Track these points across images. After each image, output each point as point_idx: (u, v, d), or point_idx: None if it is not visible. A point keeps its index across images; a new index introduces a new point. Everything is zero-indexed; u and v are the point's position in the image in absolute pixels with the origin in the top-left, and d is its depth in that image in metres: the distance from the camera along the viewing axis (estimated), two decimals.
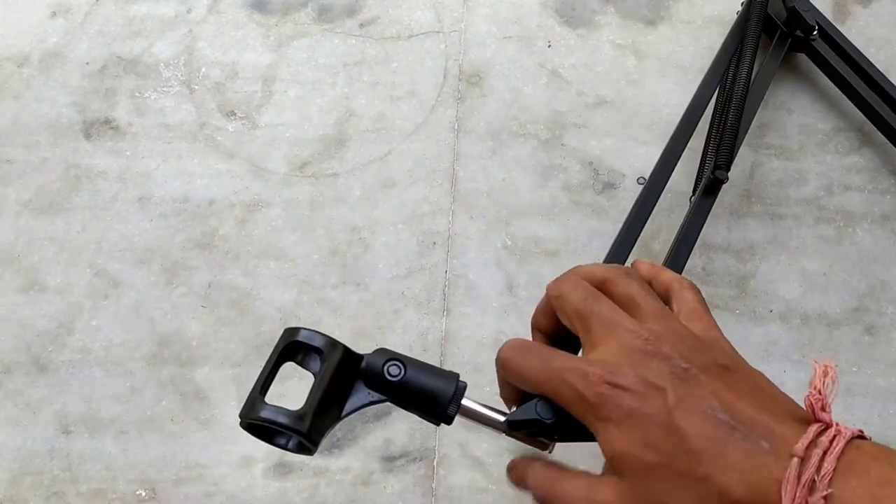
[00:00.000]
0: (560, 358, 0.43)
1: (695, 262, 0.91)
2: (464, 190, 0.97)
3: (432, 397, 0.45)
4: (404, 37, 1.09)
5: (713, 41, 1.08)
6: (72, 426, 0.84)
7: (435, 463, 0.82)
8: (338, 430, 0.82)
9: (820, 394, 0.39)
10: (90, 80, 1.07)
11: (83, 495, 0.79)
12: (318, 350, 0.46)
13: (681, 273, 0.75)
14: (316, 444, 0.46)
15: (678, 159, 0.90)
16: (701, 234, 0.87)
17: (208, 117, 1.03)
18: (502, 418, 0.46)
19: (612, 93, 1.04)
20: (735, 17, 1.05)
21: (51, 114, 1.04)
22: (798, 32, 1.00)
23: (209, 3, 1.13)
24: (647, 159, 0.99)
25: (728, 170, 0.87)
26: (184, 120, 1.03)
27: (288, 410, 0.44)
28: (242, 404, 0.45)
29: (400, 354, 0.46)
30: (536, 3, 1.11)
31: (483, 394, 0.89)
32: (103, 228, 0.96)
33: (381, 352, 0.46)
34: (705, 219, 0.85)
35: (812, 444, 0.35)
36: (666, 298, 0.48)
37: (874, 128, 1.00)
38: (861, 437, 0.37)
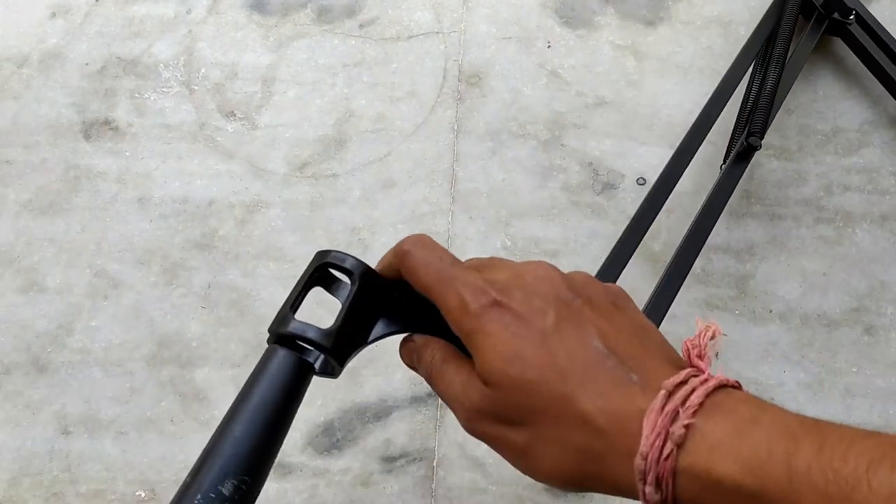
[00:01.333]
0: (459, 267, 0.43)
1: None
2: (463, 190, 0.97)
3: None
4: (404, 37, 1.09)
5: (713, 42, 1.08)
6: (71, 427, 0.83)
7: (434, 463, 0.82)
8: (337, 431, 0.82)
9: (698, 341, 0.39)
10: (90, 81, 1.07)
11: (83, 496, 0.79)
12: (348, 272, 0.46)
13: (696, 250, 0.77)
14: (341, 363, 0.45)
15: (695, 152, 0.91)
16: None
17: (208, 118, 1.03)
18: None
19: (612, 93, 1.04)
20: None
21: (50, 114, 1.04)
22: (836, 15, 1.01)
23: (209, 4, 1.13)
24: (646, 160, 0.99)
25: (762, 137, 0.88)
26: (183, 120, 1.03)
27: (317, 327, 0.44)
28: (272, 320, 0.44)
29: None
30: (536, 3, 1.12)
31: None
32: (103, 229, 0.96)
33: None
34: (735, 185, 0.86)
35: (682, 382, 0.34)
36: None
37: (872, 128, 1.00)
38: (737, 387, 0.36)
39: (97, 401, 0.85)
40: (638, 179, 0.98)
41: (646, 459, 0.32)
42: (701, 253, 0.90)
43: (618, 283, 0.91)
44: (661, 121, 1.02)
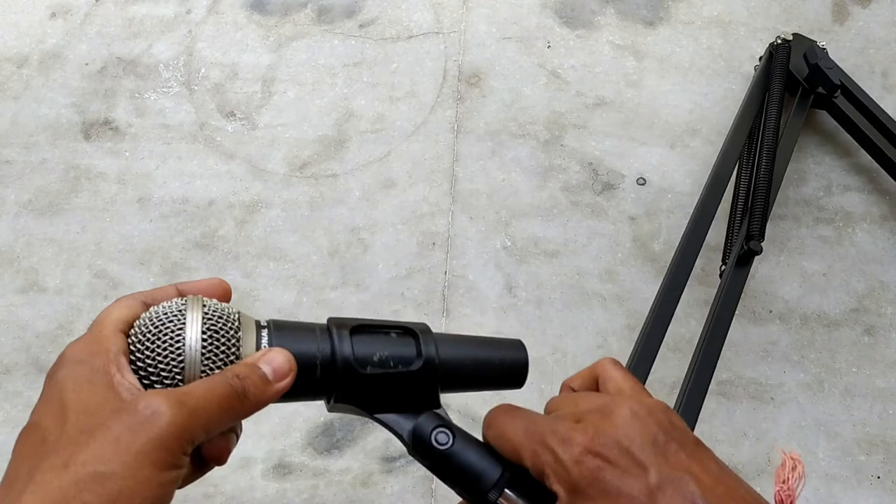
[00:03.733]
0: (546, 421, 0.41)
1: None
2: (463, 191, 0.97)
3: (473, 478, 0.42)
4: (404, 38, 1.09)
5: (712, 42, 1.08)
6: None
7: None
8: (337, 431, 0.82)
9: (788, 489, 0.40)
10: (90, 81, 1.07)
11: None
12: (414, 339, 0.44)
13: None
14: (332, 396, 0.43)
15: (706, 233, 0.87)
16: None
17: (208, 118, 1.03)
18: None
19: (612, 93, 1.04)
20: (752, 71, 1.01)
21: (50, 115, 1.04)
22: (820, 90, 0.97)
23: (209, 4, 1.13)
24: (646, 160, 0.99)
25: (762, 239, 0.83)
26: (183, 121, 1.03)
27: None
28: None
29: (452, 423, 0.44)
30: (536, 3, 1.12)
31: (482, 394, 0.89)
32: (103, 229, 0.96)
33: (433, 416, 0.44)
34: (740, 293, 0.82)
35: None
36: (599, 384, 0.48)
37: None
38: None
39: None
40: (638, 179, 0.98)
41: None
42: (701, 253, 0.90)
43: (618, 287, 0.91)
44: (660, 121, 1.02)
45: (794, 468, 0.40)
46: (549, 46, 1.08)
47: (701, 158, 0.99)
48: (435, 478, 0.82)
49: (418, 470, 0.81)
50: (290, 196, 0.97)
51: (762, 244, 0.84)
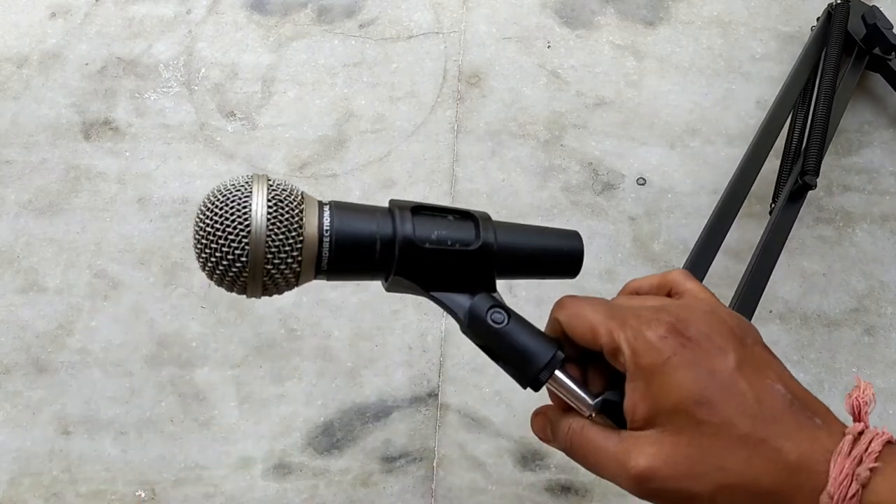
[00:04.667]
0: (627, 305, 0.42)
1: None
2: (463, 190, 0.97)
3: (527, 357, 0.43)
4: (404, 38, 1.09)
5: (712, 42, 1.08)
6: (71, 427, 0.83)
7: (434, 464, 0.82)
8: (337, 431, 0.82)
9: (863, 399, 0.41)
10: (90, 81, 1.07)
11: (82, 496, 0.79)
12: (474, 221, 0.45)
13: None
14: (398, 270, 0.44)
15: (760, 167, 0.88)
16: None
17: (208, 118, 1.03)
18: (591, 400, 0.43)
19: (612, 93, 1.04)
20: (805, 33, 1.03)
21: (50, 115, 1.04)
22: (877, 51, 0.99)
23: (209, 4, 1.13)
24: (646, 160, 0.99)
25: (817, 175, 0.85)
26: (183, 121, 1.03)
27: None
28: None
29: (506, 305, 0.45)
30: (536, 3, 1.12)
31: (482, 394, 0.89)
32: (103, 229, 0.96)
33: (489, 297, 0.45)
34: (792, 224, 0.84)
35: (861, 432, 0.37)
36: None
37: (872, 128, 1.00)
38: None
39: (97, 401, 0.85)
40: (638, 179, 0.98)
41: (832, 498, 0.35)
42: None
43: (618, 287, 0.91)
44: (661, 121, 1.02)
45: (866, 388, 0.41)
46: (549, 46, 1.08)
47: (701, 158, 0.99)
48: (435, 478, 0.82)
49: (418, 470, 0.81)
50: None
51: (816, 180, 0.86)
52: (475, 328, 0.44)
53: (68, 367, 0.87)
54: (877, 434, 0.36)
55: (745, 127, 1.01)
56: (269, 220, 0.42)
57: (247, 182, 0.43)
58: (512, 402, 0.84)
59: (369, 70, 1.06)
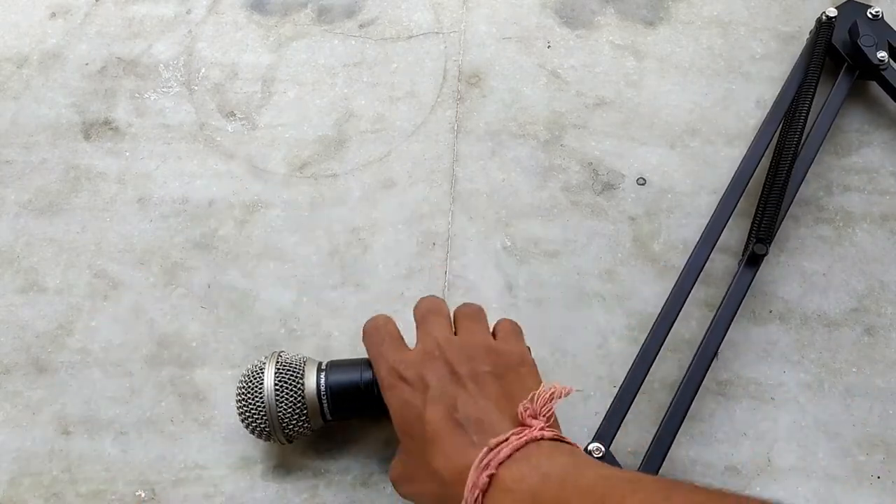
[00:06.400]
0: (386, 347, 0.60)
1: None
2: (463, 191, 0.97)
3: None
4: (404, 37, 1.09)
5: (712, 42, 1.08)
6: (71, 427, 0.84)
7: None
8: (337, 432, 0.82)
9: (531, 403, 0.49)
10: (89, 81, 1.07)
11: (82, 496, 0.79)
12: None
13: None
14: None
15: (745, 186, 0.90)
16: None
17: (208, 118, 1.04)
18: None
19: (612, 93, 1.04)
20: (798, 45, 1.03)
21: (50, 115, 1.04)
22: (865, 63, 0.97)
23: (209, 4, 1.13)
24: (646, 160, 0.99)
25: (769, 242, 0.85)
26: (183, 121, 1.03)
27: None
28: None
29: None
30: (536, 3, 1.12)
31: None
32: (103, 229, 0.96)
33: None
34: (746, 291, 0.84)
35: (506, 440, 0.45)
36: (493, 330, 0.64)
37: (872, 128, 1.00)
38: (555, 439, 0.48)
39: (97, 401, 0.85)
40: (638, 179, 0.98)
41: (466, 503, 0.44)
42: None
43: (618, 287, 0.91)
44: (661, 121, 1.02)
45: (550, 395, 0.52)
46: (549, 46, 1.08)
47: (701, 158, 1.00)
48: None
49: None
50: (290, 196, 0.97)
51: (767, 247, 0.85)
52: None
53: (68, 367, 0.87)
54: (521, 434, 0.46)
55: (745, 127, 1.01)
56: (276, 394, 0.64)
57: (264, 360, 0.67)
58: None
59: (369, 70, 1.06)
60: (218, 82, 1.06)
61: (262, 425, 0.64)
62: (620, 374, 0.78)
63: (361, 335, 0.63)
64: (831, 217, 0.95)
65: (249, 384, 0.65)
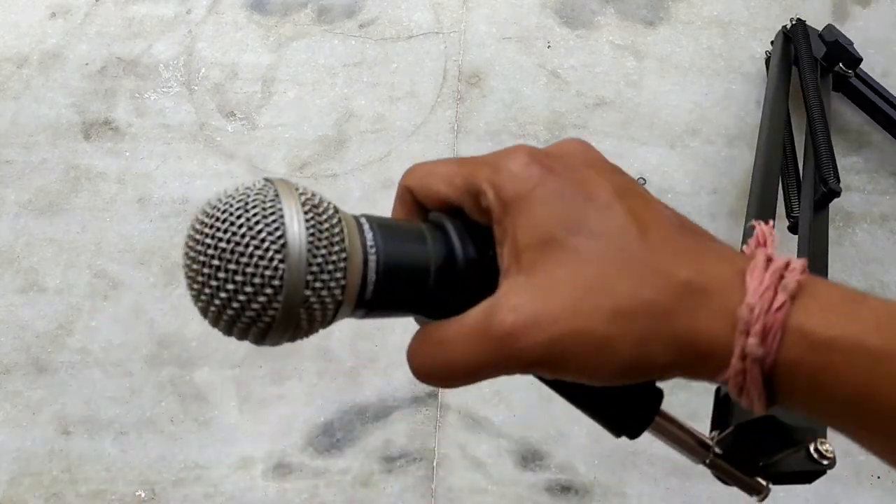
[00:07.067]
0: (480, 156, 0.34)
1: None
2: None
3: (621, 402, 0.35)
4: (404, 38, 1.09)
5: (712, 42, 1.08)
6: (71, 427, 0.83)
7: (434, 464, 0.82)
8: (337, 431, 0.82)
9: (767, 228, 0.33)
10: (90, 81, 1.07)
11: (82, 496, 0.79)
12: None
13: None
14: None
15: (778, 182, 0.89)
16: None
17: (208, 118, 1.03)
18: (707, 443, 0.36)
19: (612, 93, 1.04)
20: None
21: (50, 115, 1.04)
22: (839, 68, 0.98)
23: (209, 4, 1.13)
24: (646, 160, 0.99)
25: (839, 181, 0.85)
26: (183, 121, 1.03)
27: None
28: None
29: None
30: (536, 3, 1.12)
31: (482, 394, 0.89)
32: (103, 229, 0.96)
33: None
34: (827, 238, 0.83)
35: (771, 256, 0.31)
36: None
37: (872, 128, 1.00)
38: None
39: (97, 401, 0.85)
40: (638, 179, 0.98)
41: (753, 311, 0.28)
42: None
43: None
44: (661, 121, 1.02)
45: (767, 226, 0.33)
46: (549, 46, 1.08)
47: (701, 158, 0.99)
48: (435, 478, 0.82)
49: (418, 470, 0.81)
50: None
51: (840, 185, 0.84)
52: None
53: (68, 367, 0.87)
54: (792, 258, 0.30)
55: (745, 127, 1.01)
56: (308, 231, 0.30)
57: (265, 185, 0.31)
58: (512, 402, 0.84)
59: (369, 70, 1.06)
60: (218, 82, 1.06)
61: (268, 281, 0.29)
62: None
63: (405, 178, 0.36)
64: (831, 217, 0.95)
65: (250, 206, 0.30)
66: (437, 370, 0.33)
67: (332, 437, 0.80)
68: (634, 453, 0.77)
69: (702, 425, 0.76)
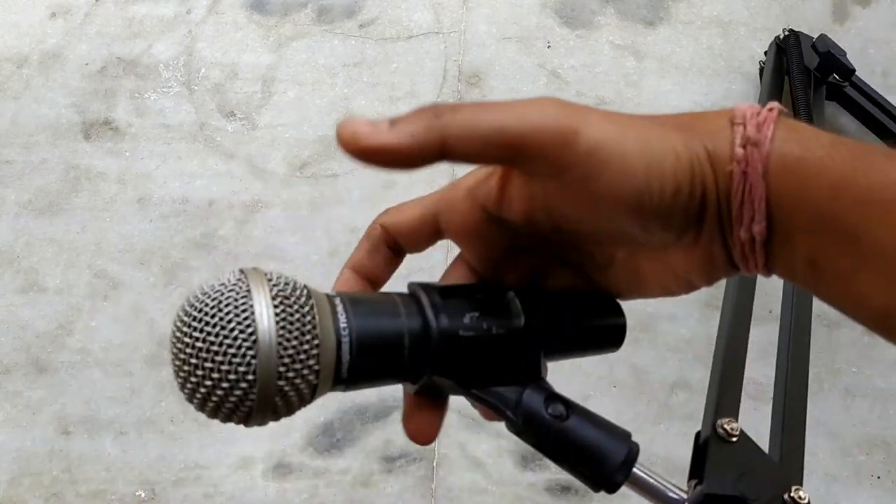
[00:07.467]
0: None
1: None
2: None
3: (597, 456, 0.36)
4: (404, 37, 1.09)
5: (712, 42, 1.08)
6: (71, 427, 0.83)
7: (435, 464, 0.82)
8: (337, 431, 0.82)
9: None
10: (90, 81, 1.07)
11: (82, 496, 0.79)
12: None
13: None
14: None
15: None
16: None
17: (208, 118, 1.03)
18: (683, 495, 0.37)
19: (612, 93, 1.04)
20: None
21: (50, 115, 1.04)
22: (833, 78, 0.97)
23: (209, 4, 1.13)
24: None
25: None
26: (183, 121, 1.03)
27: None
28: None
29: (561, 394, 0.38)
30: (536, 3, 1.12)
31: None
32: (103, 229, 0.96)
33: (541, 387, 0.37)
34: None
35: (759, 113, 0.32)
36: None
37: (867, 137, 1.00)
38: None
39: (97, 401, 0.85)
40: None
41: (745, 113, 0.31)
42: None
43: None
44: None
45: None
46: (549, 46, 1.08)
47: None
48: (435, 478, 0.82)
49: (418, 470, 0.81)
50: (290, 196, 0.97)
51: None
52: (530, 427, 0.36)
53: (68, 367, 0.87)
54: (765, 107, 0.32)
55: None
56: (278, 323, 0.31)
57: (239, 279, 0.32)
58: None
59: (369, 70, 1.06)
60: (218, 82, 1.06)
61: (242, 376, 0.31)
62: (620, 375, 0.78)
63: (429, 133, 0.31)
64: None
65: (222, 304, 0.31)
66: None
67: (332, 437, 0.80)
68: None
69: (700, 425, 0.75)
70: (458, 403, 0.80)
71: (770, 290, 0.90)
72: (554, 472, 0.82)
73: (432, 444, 0.83)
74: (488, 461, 0.82)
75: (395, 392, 0.85)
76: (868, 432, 0.81)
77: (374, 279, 0.41)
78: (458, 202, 0.36)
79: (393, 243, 0.40)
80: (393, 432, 0.82)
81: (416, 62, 1.07)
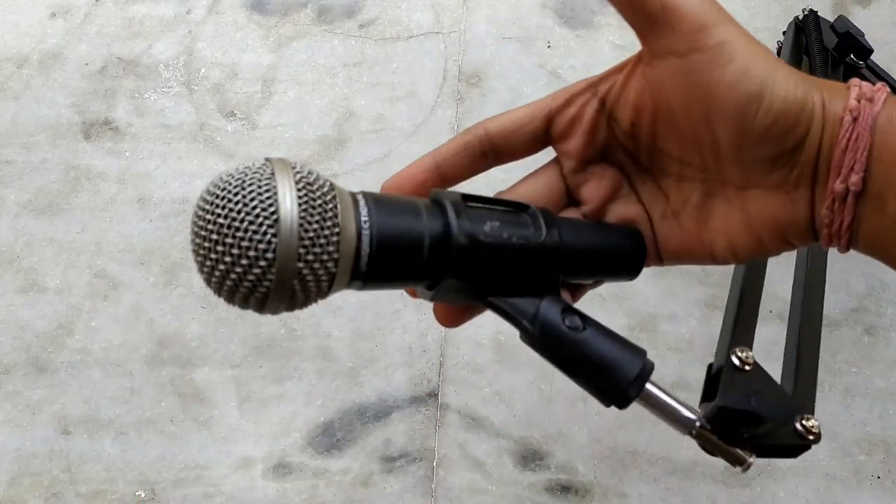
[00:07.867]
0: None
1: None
2: (462, 190, 0.97)
3: (611, 369, 0.35)
4: (404, 38, 1.09)
5: None
6: (71, 427, 0.83)
7: (434, 463, 0.82)
8: (337, 431, 0.82)
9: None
10: (90, 81, 1.07)
11: (82, 496, 0.79)
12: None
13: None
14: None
15: None
16: None
17: (208, 118, 1.03)
18: (693, 415, 0.36)
19: None
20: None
21: (50, 115, 1.04)
22: (850, 59, 0.97)
23: (209, 4, 1.13)
24: None
25: None
26: (183, 121, 1.03)
27: None
28: None
29: (578, 309, 0.37)
30: (536, 3, 1.12)
31: (482, 394, 0.89)
32: (103, 229, 0.96)
33: (558, 300, 0.37)
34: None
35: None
36: None
37: None
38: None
39: (97, 401, 0.85)
40: None
41: (860, 85, 0.33)
42: None
43: (618, 287, 0.91)
44: None
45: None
46: (549, 46, 1.08)
47: None
48: (435, 478, 0.82)
49: (418, 470, 0.81)
50: None
51: None
52: (547, 337, 0.36)
53: (68, 367, 0.87)
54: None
55: None
56: (301, 206, 0.32)
57: (264, 164, 0.33)
58: (512, 402, 0.84)
59: (369, 70, 1.06)
60: (218, 82, 1.06)
61: (262, 254, 0.31)
62: None
63: None
64: None
65: (246, 185, 0.31)
66: None
67: (332, 437, 0.80)
68: (634, 453, 0.77)
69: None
70: (457, 403, 0.80)
71: (770, 290, 0.90)
72: (554, 472, 0.82)
73: (432, 445, 0.83)
74: (488, 461, 0.82)
75: (394, 392, 0.85)
76: (868, 432, 0.81)
77: (450, 177, 0.42)
78: (578, 95, 0.39)
79: (489, 146, 0.42)
80: (393, 432, 0.82)
81: (416, 62, 1.07)
